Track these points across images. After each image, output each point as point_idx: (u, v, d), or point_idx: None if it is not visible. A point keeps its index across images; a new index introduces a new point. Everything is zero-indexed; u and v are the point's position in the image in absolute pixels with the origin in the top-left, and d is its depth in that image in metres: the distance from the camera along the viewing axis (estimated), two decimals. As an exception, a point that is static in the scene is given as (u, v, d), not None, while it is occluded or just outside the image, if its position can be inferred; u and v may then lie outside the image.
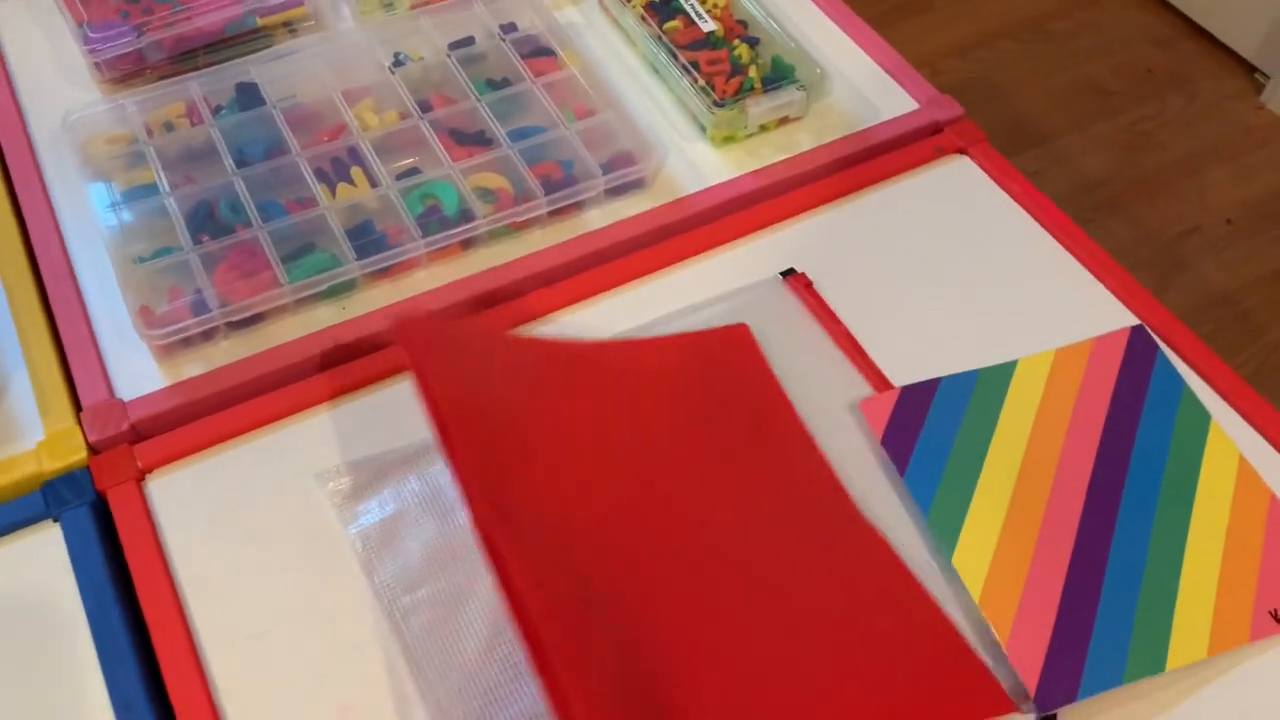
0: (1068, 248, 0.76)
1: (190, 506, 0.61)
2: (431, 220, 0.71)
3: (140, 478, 0.62)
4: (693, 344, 0.67)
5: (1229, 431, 0.66)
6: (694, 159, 0.80)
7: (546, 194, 0.72)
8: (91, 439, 0.62)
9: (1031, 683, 0.54)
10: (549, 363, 0.63)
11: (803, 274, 0.72)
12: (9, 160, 0.76)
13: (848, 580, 0.58)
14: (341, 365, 0.67)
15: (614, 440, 0.61)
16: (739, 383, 0.66)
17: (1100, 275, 0.74)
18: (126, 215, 0.70)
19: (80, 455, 0.62)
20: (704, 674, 0.52)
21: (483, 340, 0.63)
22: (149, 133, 0.74)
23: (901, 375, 0.68)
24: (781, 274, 0.72)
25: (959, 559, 0.59)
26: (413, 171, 0.75)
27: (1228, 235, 1.60)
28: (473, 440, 0.55)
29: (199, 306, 0.66)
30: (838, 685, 0.53)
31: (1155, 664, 0.55)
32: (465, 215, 0.71)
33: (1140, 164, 1.67)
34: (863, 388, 0.67)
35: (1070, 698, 0.54)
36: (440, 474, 0.62)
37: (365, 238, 0.70)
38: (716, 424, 0.63)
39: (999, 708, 0.53)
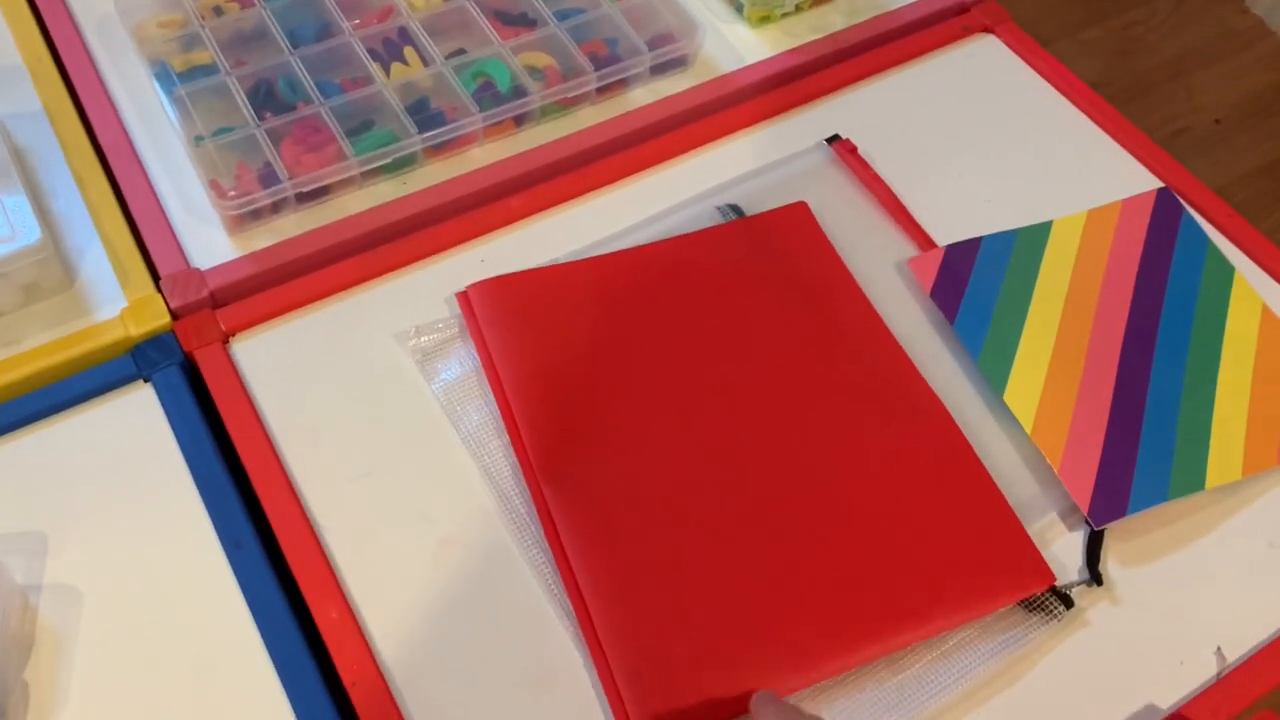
0: (1094, 119, 0.79)
1: (275, 366, 0.63)
2: (486, 96, 0.73)
3: (225, 340, 0.64)
4: (754, 227, 0.70)
5: (1252, 282, 0.70)
6: (731, 39, 0.82)
7: (595, 70, 0.74)
8: (173, 305, 0.64)
9: (1084, 501, 0.59)
10: (615, 276, 0.67)
11: (848, 140, 0.74)
12: (59, 45, 0.76)
13: (907, 451, 0.60)
14: (407, 236, 0.69)
15: (683, 338, 0.64)
16: (802, 259, 0.68)
17: (1126, 144, 0.78)
18: (187, 95, 0.71)
19: (164, 320, 0.64)
20: (759, 551, 0.56)
21: (546, 284, 0.66)
22: (200, 16, 0.75)
23: (943, 238, 0.71)
24: (826, 141, 0.75)
25: (1010, 396, 0.63)
26: (460, 52, 0.76)
27: (1216, 134, 1.64)
28: (533, 404, 0.60)
29: (268, 179, 0.68)
30: (887, 555, 0.57)
31: (1196, 482, 0.60)
32: (518, 91, 0.73)
33: (1130, 67, 1.70)
34: (908, 248, 0.71)
35: (1120, 513, 0.58)
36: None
37: (423, 114, 0.72)
38: (783, 303, 0.66)
39: (1041, 579, 0.56)
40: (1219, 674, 0.56)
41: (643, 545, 0.56)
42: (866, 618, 0.55)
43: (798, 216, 0.70)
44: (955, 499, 0.59)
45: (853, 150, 0.74)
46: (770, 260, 0.68)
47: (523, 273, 0.66)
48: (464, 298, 0.65)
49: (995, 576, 0.56)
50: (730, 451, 0.60)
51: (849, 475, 0.59)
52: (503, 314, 0.64)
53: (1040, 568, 0.56)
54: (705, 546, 0.57)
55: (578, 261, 0.67)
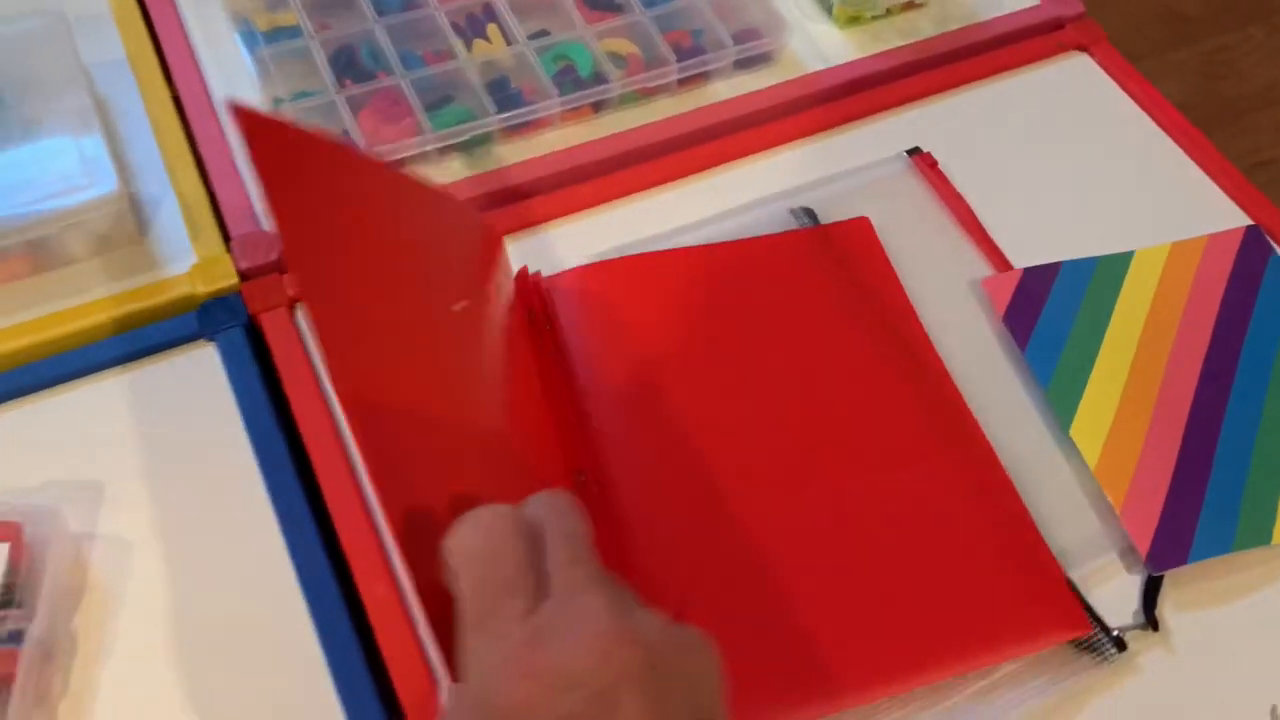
0: (1186, 149, 0.77)
1: (338, 336, 0.63)
2: (566, 80, 0.72)
3: (291, 304, 0.64)
4: (818, 237, 0.69)
5: (1337, 331, 0.68)
6: (817, 39, 0.80)
7: (678, 60, 0.73)
8: (241, 266, 0.65)
9: (1144, 545, 0.57)
10: (679, 272, 0.66)
11: (928, 153, 0.73)
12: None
13: (949, 483, 0.59)
14: (479, 214, 0.69)
15: (742, 343, 0.63)
16: (863, 275, 0.67)
17: (1216, 177, 0.76)
18: (269, 55, 0.71)
19: (231, 281, 0.64)
20: (801, 571, 0.55)
21: (618, 275, 0.66)
22: (287, -23, 0.75)
23: (1019, 260, 0.69)
24: (906, 153, 0.73)
25: (1076, 430, 0.61)
26: (543, 33, 0.75)
27: (1303, 168, 1.60)
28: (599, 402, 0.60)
29: (344, 147, 0.67)
30: (923, 586, 0.55)
31: (1262, 536, 0.58)
32: (599, 77, 0.73)
33: (1216, 93, 1.66)
34: (983, 268, 0.69)
35: (1180, 560, 0.57)
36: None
37: (502, 93, 0.71)
38: (842, 317, 0.65)
39: (1076, 627, 0.54)
40: (1273, 735, 0.54)
41: (687, 545, 0.56)
42: (899, 649, 0.54)
43: (861, 232, 0.69)
44: (995, 536, 0.57)
45: (933, 164, 0.72)
46: (833, 272, 0.67)
47: (595, 265, 0.66)
48: (529, 282, 0.65)
49: (1031, 619, 0.55)
50: (778, 466, 0.59)
51: (891, 501, 0.58)
52: (575, 307, 0.64)
53: (1076, 616, 0.55)
54: (748, 557, 0.56)
55: (646, 254, 0.67)
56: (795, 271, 0.67)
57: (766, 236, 0.68)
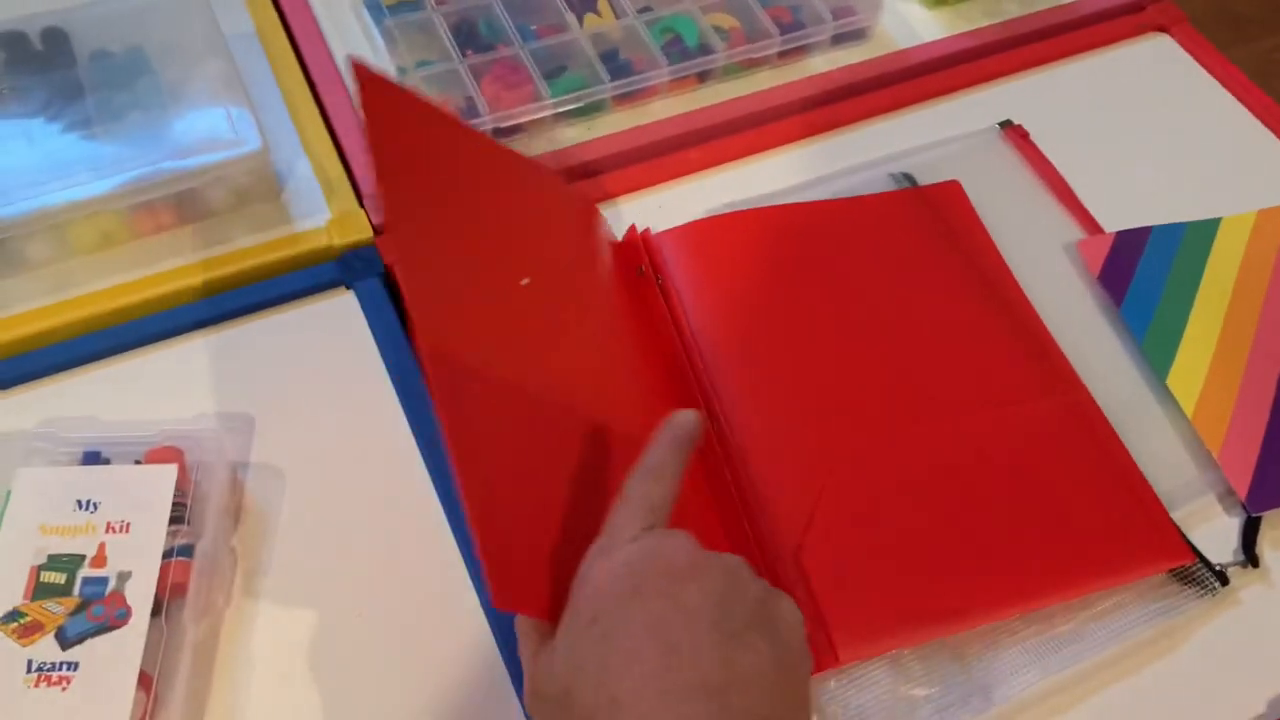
0: (1270, 126, 0.80)
1: (467, 285, 0.67)
2: (674, 51, 0.76)
3: (421, 257, 0.68)
4: (914, 198, 0.72)
5: None
6: (908, 17, 0.84)
7: (780, 34, 0.77)
8: (376, 221, 0.68)
9: (1242, 488, 0.60)
10: (785, 228, 0.69)
11: (1019, 125, 0.76)
12: (273, -27, 0.81)
13: (1050, 422, 0.61)
14: (592, 178, 0.73)
15: (844, 297, 0.66)
16: (958, 233, 0.70)
17: (1299, 152, 0.78)
18: (395, 27, 0.75)
19: (367, 234, 0.68)
20: (912, 505, 0.58)
21: (724, 230, 0.68)
22: (407, -45, 0.79)
23: (1110, 225, 0.72)
24: (999, 125, 0.76)
25: (1173, 380, 0.64)
26: (649, 9, 0.79)
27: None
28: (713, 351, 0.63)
29: (469, 112, 0.71)
30: (1028, 518, 0.58)
31: (1357, 479, 0.61)
32: (704, 49, 0.76)
33: (1273, 91, 1.67)
34: (1075, 232, 0.72)
35: (1279, 502, 0.59)
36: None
37: (613, 63, 0.75)
38: (940, 272, 0.68)
39: (1179, 556, 0.57)
40: (1373, 662, 0.57)
41: (803, 480, 0.59)
42: (1008, 577, 0.56)
43: (953, 193, 0.72)
44: (1097, 472, 0.60)
45: (1025, 136, 0.75)
46: (928, 228, 0.70)
47: (700, 221, 0.69)
48: (639, 238, 0.68)
49: (1134, 549, 0.57)
50: (885, 407, 0.62)
51: (996, 439, 0.61)
52: (682, 260, 0.67)
53: (1178, 546, 0.57)
54: (862, 491, 0.59)
55: (749, 210, 0.70)
56: (893, 227, 0.70)
57: (865, 196, 0.71)
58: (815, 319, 0.65)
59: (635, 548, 0.41)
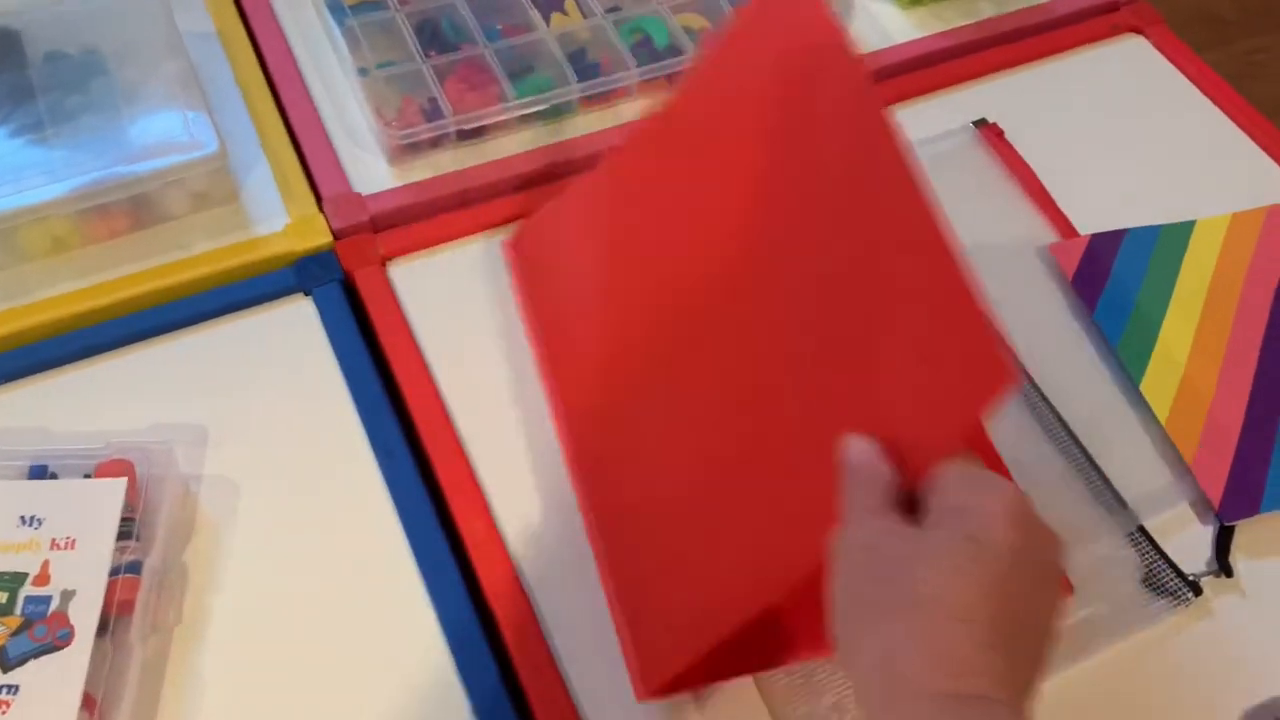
0: (1244, 128, 0.79)
1: (429, 291, 0.65)
2: (642, 52, 0.75)
3: (382, 263, 0.66)
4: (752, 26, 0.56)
5: (1396, 299, 0.69)
6: (881, 18, 0.83)
7: (750, 35, 0.75)
8: (335, 226, 0.67)
9: (1215, 496, 0.59)
10: (628, 173, 0.61)
11: (995, 124, 0.75)
12: (234, -27, 0.79)
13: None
14: (559, 180, 0.71)
15: (697, 237, 0.56)
16: (826, 116, 0.51)
17: (1273, 152, 0.78)
18: (357, 27, 0.74)
19: (326, 239, 0.67)
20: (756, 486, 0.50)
21: (567, 212, 0.64)
22: (370, -46, 0.78)
23: (1085, 228, 0.71)
24: (974, 124, 0.75)
25: (1147, 385, 0.63)
26: (617, 8, 0.78)
27: (1334, 168, 1.61)
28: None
29: (432, 113, 0.70)
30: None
31: (1332, 487, 0.60)
32: (674, 49, 0.75)
33: (1250, 94, 1.67)
34: (1050, 235, 0.71)
35: (1252, 510, 0.59)
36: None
37: (580, 64, 0.74)
38: (798, 173, 0.52)
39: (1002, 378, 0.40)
40: (1347, 675, 0.56)
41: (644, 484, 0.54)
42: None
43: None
44: (924, 325, 0.45)
45: (1000, 135, 0.74)
46: (782, 96, 0.53)
47: (545, 209, 0.65)
48: (510, 246, 0.66)
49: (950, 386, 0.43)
50: (730, 369, 0.52)
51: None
52: (532, 262, 0.65)
53: (999, 366, 0.40)
54: (699, 479, 0.52)
55: (593, 173, 0.63)
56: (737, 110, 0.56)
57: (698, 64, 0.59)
58: (655, 293, 0.57)
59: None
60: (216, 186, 0.68)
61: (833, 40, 0.50)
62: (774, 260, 0.52)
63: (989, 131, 0.75)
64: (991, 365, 0.41)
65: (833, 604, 0.39)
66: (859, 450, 0.42)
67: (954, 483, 0.39)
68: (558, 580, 0.55)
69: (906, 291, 0.46)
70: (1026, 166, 0.73)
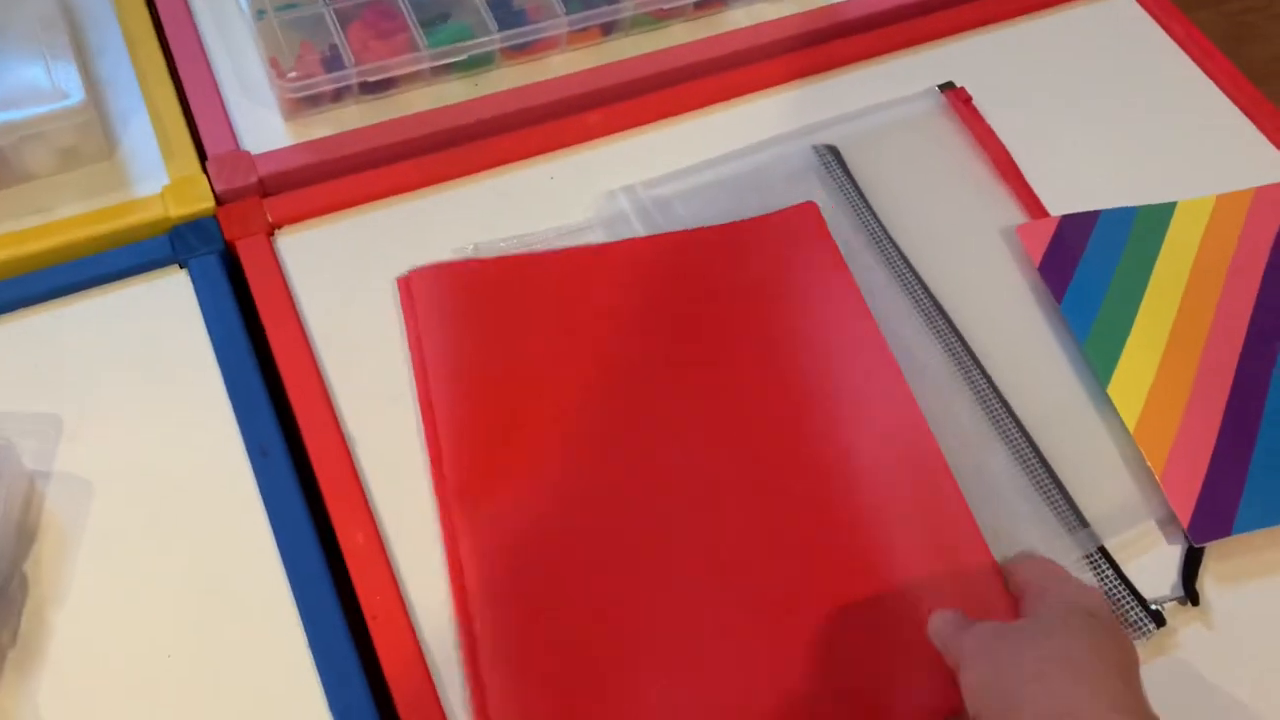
0: (1232, 96, 0.72)
1: (322, 265, 0.58)
2: (574, -1, 0.67)
3: (270, 232, 0.59)
4: (749, 231, 0.61)
5: (1390, 293, 0.63)
6: (841, -34, 0.75)
7: (695, -17, 0.68)
8: (219, 189, 0.60)
9: (1185, 515, 0.53)
10: (580, 275, 0.58)
11: (962, 88, 0.68)
12: (122, -102, 0.71)
13: (882, 494, 0.53)
14: (475, 142, 0.64)
15: (645, 354, 0.56)
16: (798, 271, 0.60)
17: (1263, 126, 0.71)
18: (253, -37, 0.66)
19: (207, 204, 0.59)
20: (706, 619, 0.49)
21: (502, 276, 0.58)
22: (274, -120, 0.70)
23: (1056, 207, 0.65)
24: (939, 87, 0.68)
25: (1114, 389, 0.57)
26: (550, -50, 0.70)
27: (1324, 136, 1.55)
28: (457, 402, 0.53)
29: (333, 63, 0.62)
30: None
31: (1313, 507, 0.54)
32: (609, -3, 0.67)
33: (1240, 55, 1.60)
34: (1017, 214, 0.65)
35: (1224, 532, 0.53)
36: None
37: (504, 10, 0.66)
38: (764, 324, 0.58)
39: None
40: (1320, 720, 0.51)
41: (556, 592, 0.49)
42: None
43: (805, 219, 0.61)
44: (929, 535, 0.52)
45: (967, 100, 0.67)
46: (758, 270, 0.59)
47: (476, 261, 0.58)
48: (405, 284, 0.57)
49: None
50: (676, 493, 0.52)
51: (814, 526, 0.52)
52: (447, 308, 0.56)
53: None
54: (636, 608, 0.49)
55: (539, 254, 0.59)
56: (713, 271, 0.59)
57: (684, 233, 0.60)
58: (593, 395, 0.55)
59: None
60: (86, 142, 0.60)
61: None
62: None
63: (955, 96, 0.68)
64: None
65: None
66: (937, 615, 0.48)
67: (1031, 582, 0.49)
68: (445, 602, 0.49)
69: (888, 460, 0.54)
70: (994, 137, 0.66)
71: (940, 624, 0.48)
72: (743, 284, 0.59)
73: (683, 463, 0.53)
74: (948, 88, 0.68)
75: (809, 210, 0.62)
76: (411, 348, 0.55)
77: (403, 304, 0.57)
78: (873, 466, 0.53)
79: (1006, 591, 0.50)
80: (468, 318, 0.56)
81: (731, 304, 0.58)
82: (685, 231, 0.61)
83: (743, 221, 0.61)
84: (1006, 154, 0.66)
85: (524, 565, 0.50)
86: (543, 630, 0.48)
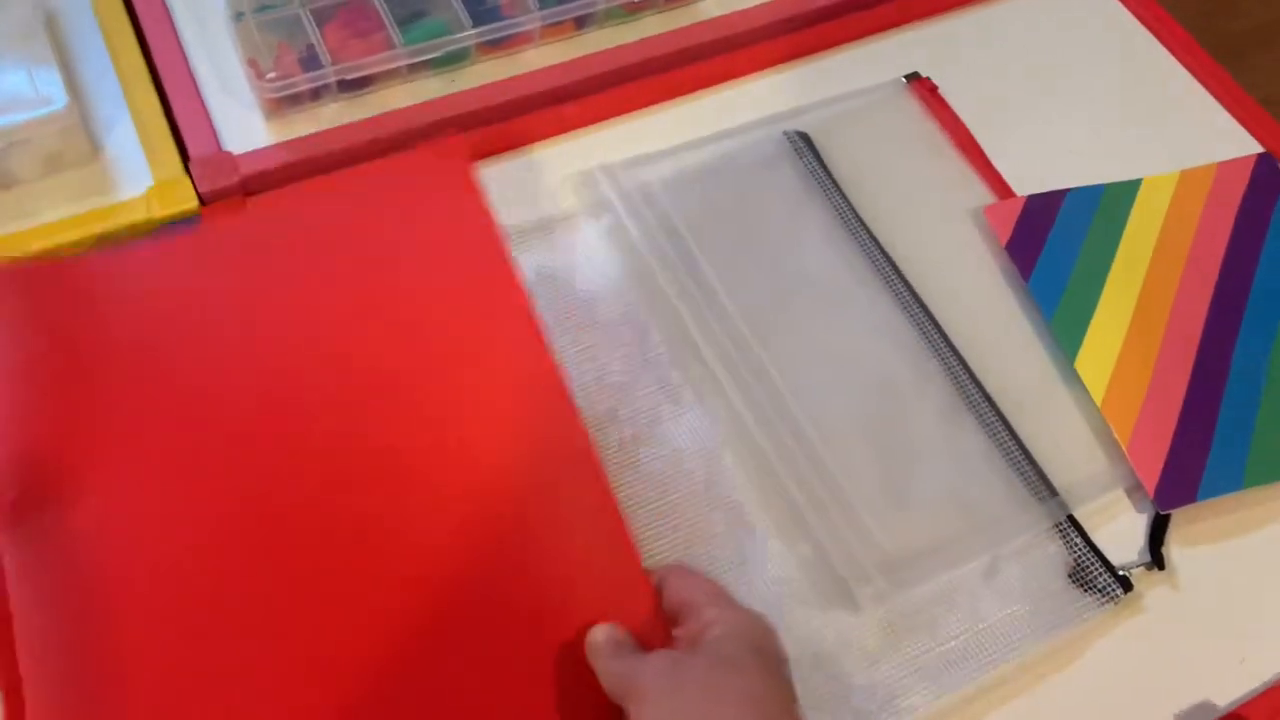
0: (1195, 73, 0.74)
1: (305, 263, 0.60)
2: (547, -7, 0.68)
3: (254, 231, 0.60)
4: (373, 182, 0.56)
5: (1351, 263, 0.65)
6: (806, -45, 0.76)
7: (666, -25, 0.69)
8: (202, 189, 0.61)
9: (1151, 483, 0.55)
10: (182, 264, 0.52)
11: (927, 78, 0.69)
12: (99, -96, 0.72)
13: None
14: (453, 136, 0.65)
15: (247, 349, 0.50)
16: (433, 224, 0.53)
17: (1227, 103, 0.73)
18: (230, -34, 0.67)
19: (192, 204, 0.60)
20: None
21: (91, 277, 0.52)
22: (248, -117, 0.71)
23: (1023, 188, 0.66)
24: (905, 78, 0.70)
25: (1081, 363, 0.58)
26: (523, -55, 0.71)
27: (1301, 109, 1.56)
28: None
29: (310, 63, 0.63)
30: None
31: (1273, 472, 0.56)
32: (582, -10, 0.68)
33: (1216, 30, 1.61)
34: (985, 195, 0.66)
35: (1189, 499, 0.55)
36: (555, 244, 0.61)
37: (479, 6, 0.67)
38: (392, 311, 0.51)
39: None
40: (1281, 676, 0.52)
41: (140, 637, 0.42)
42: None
43: (442, 161, 0.55)
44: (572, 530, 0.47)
45: (933, 90, 0.69)
46: (379, 233, 0.53)
47: (56, 262, 0.53)
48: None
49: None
50: (284, 518, 0.46)
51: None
52: (19, 313, 0.50)
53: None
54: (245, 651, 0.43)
55: (131, 248, 0.55)
56: (330, 239, 0.53)
57: (304, 198, 0.57)
58: (186, 400, 0.48)
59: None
60: (71, 147, 0.61)
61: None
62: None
63: (920, 86, 0.69)
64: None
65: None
66: (598, 631, 0.44)
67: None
68: None
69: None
70: (960, 123, 0.68)
71: (606, 645, 0.43)
72: (360, 253, 0.52)
73: (288, 484, 0.46)
74: (913, 78, 0.69)
75: (454, 146, 0.55)
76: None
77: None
78: (508, 462, 0.48)
79: (657, 606, 0.45)
80: (40, 323, 0.49)
81: (350, 280, 0.51)
82: (292, 192, 0.56)
83: (364, 168, 0.56)
84: (972, 138, 0.67)
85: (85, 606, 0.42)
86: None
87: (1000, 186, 0.66)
